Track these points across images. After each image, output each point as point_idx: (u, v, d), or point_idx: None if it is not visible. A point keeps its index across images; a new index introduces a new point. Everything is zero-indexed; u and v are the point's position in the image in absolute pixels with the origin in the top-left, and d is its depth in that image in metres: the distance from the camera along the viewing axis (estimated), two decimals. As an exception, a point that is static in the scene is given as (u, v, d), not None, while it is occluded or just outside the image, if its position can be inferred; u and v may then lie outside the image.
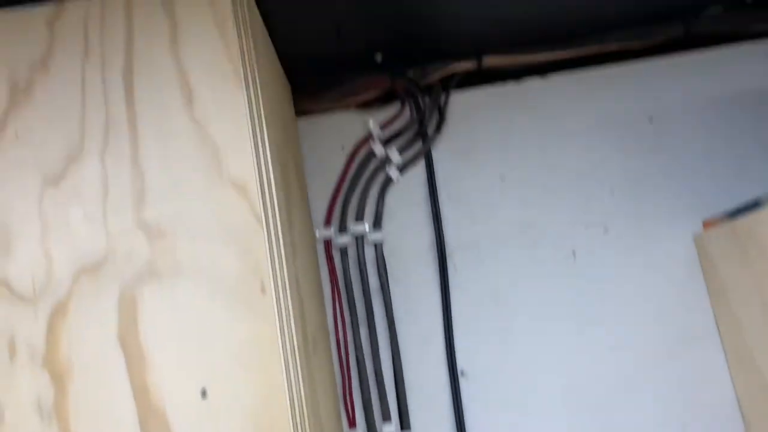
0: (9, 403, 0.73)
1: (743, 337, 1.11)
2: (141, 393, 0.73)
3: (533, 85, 1.30)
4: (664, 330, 1.19)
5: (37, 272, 0.76)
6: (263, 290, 0.76)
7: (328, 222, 1.24)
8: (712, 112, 1.28)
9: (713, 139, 1.27)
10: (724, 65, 1.30)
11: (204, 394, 0.73)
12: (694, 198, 1.24)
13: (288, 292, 0.80)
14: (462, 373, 1.17)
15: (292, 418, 0.72)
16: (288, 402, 0.72)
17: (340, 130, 1.28)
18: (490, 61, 1.28)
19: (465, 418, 1.15)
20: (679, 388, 1.16)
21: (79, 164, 0.79)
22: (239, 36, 0.83)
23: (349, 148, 1.27)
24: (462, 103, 1.29)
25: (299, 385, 0.78)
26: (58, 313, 0.75)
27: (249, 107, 0.81)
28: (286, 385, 0.73)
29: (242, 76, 0.82)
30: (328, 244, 1.23)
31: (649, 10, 1.26)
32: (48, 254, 0.77)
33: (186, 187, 0.78)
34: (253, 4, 0.91)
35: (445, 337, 1.18)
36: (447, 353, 1.18)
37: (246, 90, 0.81)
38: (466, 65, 1.28)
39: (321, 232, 1.23)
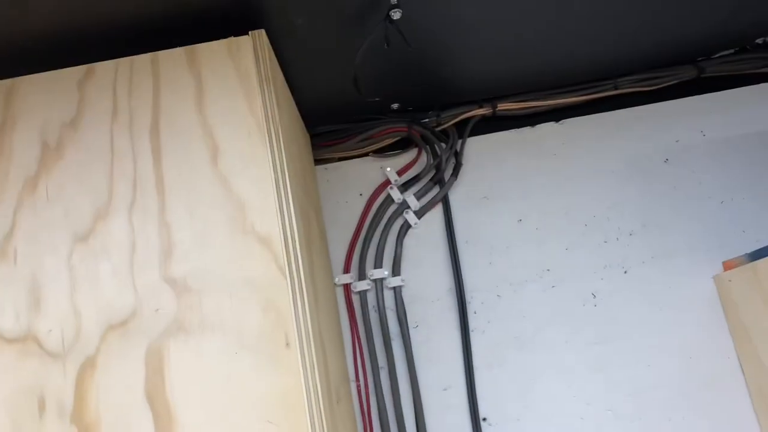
0: (38, 460, 0.74)
1: (769, 379, 1.10)
2: (168, 449, 0.73)
3: (548, 129, 1.32)
4: (687, 372, 1.17)
5: (67, 328, 0.78)
6: (288, 344, 0.76)
7: (347, 268, 1.25)
8: (728, 153, 1.29)
9: (730, 179, 1.27)
10: (738, 106, 1.32)
11: (230, 449, 0.73)
12: (713, 239, 1.24)
13: (312, 344, 0.80)
14: (484, 420, 1.16)
15: (319, 474, 0.72)
16: (314, 457, 0.72)
17: (358, 177, 1.30)
18: (505, 106, 1.30)
19: (488, 466, 1.14)
20: (704, 430, 1.14)
21: (108, 221, 0.81)
22: (262, 92, 0.86)
23: (367, 194, 1.29)
24: (478, 148, 1.31)
25: (324, 438, 0.78)
26: (86, 369, 0.76)
27: (272, 161, 0.83)
28: (311, 439, 0.73)
29: (265, 130, 0.84)
30: (347, 289, 1.23)
31: (661, 53, 1.28)
32: (77, 310, 0.78)
33: (212, 242, 0.80)
34: (275, 60, 0.94)
35: (467, 383, 1.17)
36: (469, 399, 1.17)
37: (269, 144, 0.84)
38: (481, 111, 1.30)
39: (340, 278, 1.23)
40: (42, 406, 0.75)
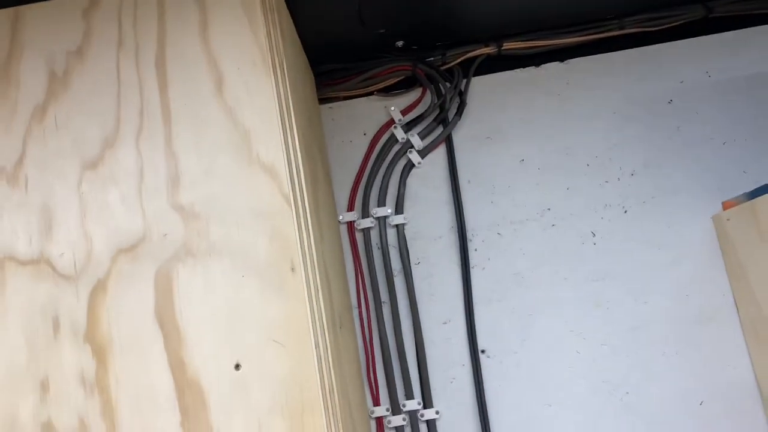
0: (54, 375, 0.77)
1: (762, 315, 1.12)
2: (178, 366, 0.76)
3: (553, 69, 1.31)
4: (682, 309, 1.20)
5: (78, 252, 0.80)
6: (293, 269, 0.79)
7: (351, 206, 1.27)
8: (731, 94, 1.28)
9: (734, 120, 1.27)
10: (744, 47, 1.31)
11: (237, 367, 0.76)
12: (713, 179, 1.25)
13: (317, 270, 0.83)
14: (483, 352, 1.20)
15: (322, 389, 0.75)
16: (318, 375, 0.75)
17: (362, 116, 1.30)
18: (510, 45, 1.30)
19: (486, 396, 1.18)
20: (698, 366, 1.18)
21: (115, 149, 0.83)
22: (267, 23, 0.86)
23: (370, 133, 1.29)
24: (482, 88, 1.31)
25: (328, 360, 0.81)
26: (98, 291, 0.79)
27: (277, 92, 0.84)
28: (315, 359, 0.76)
29: (270, 62, 0.84)
30: (351, 227, 1.26)
31: (669, -8, 1.26)
32: (87, 235, 0.81)
33: (218, 171, 0.81)
34: (279, -8, 0.94)
35: (466, 317, 1.21)
36: (468, 332, 1.20)
37: (274, 75, 0.84)
38: (486, 50, 1.30)
39: (344, 216, 1.25)
40: (56, 326, 0.78)
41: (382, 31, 1.09)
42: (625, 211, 1.25)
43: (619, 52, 1.31)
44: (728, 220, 1.19)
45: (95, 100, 0.84)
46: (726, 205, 1.21)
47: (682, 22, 1.30)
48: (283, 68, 0.86)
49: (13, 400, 0.76)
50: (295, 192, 0.82)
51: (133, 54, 0.85)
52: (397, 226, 1.25)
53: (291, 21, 1.04)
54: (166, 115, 0.83)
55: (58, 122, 0.84)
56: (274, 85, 0.83)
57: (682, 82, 1.30)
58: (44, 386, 0.77)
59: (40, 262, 0.80)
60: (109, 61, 0.86)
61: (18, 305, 0.79)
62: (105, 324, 0.78)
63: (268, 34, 0.85)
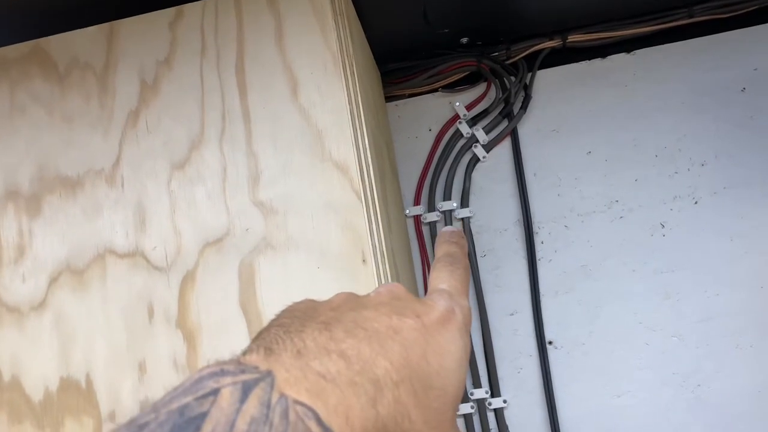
0: (150, 357, 0.85)
1: (843, 309, 1.09)
2: (260, 351, 0.82)
3: (619, 60, 1.31)
4: (756, 301, 1.18)
5: (169, 245, 0.88)
6: (364, 260, 0.83)
7: (417, 200, 1.30)
8: (809, 80, 1.25)
9: (811, 107, 1.23)
10: (823, 31, 1.26)
11: (315, 352, 0.81)
12: (789, 169, 1.22)
13: (386, 262, 0.87)
14: (550, 343, 1.22)
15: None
16: (390, 360, 0.79)
17: (428, 113, 1.33)
18: (575, 38, 1.30)
19: (553, 386, 1.19)
20: (774, 360, 1.16)
21: (201, 150, 0.90)
22: (337, 27, 0.91)
23: (436, 129, 1.33)
24: (547, 81, 1.32)
25: (398, 346, 0.85)
26: (187, 281, 0.86)
27: (347, 93, 0.88)
28: (387, 345, 0.80)
29: (341, 65, 0.89)
30: (417, 220, 1.29)
31: (741, -22, 1.24)
32: (177, 230, 0.88)
33: (294, 169, 0.87)
34: (348, -4, 0.98)
35: (533, 308, 1.23)
36: (535, 324, 1.22)
37: (344, 78, 0.89)
38: (550, 43, 1.31)
39: (411, 210, 1.29)
40: (151, 313, 0.86)
41: (446, 30, 1.12)
42: (696, 202, 1.23)
43: (688, 41, 1.29)
44: (805, 209, 1.16)
45: (182, 105, 0.92)
46: (803, 195, 1.18)
47: (755, 7, 1.27)
48: (353, 71, 0.90)
49: (117, 379, 0.84)
50: (365, 187, 0.86)
51: (215, 62, 0.92)
52: (462, 219, 1.28)
53: (359, 25, 1.08)
54: (246, 118, 0.90)
55: (150, 126, 0.92)
56: (344, 87, 0.88)
57: (755, 69, 1.26)
58: (142, 368, 0.84)
59: (136, 255, 0.88)
60: (194, 69, 0.92)
61: (117, 294, 0.87)
62: (194, 311, 0.85)
63: (339, 39, 0.90)
